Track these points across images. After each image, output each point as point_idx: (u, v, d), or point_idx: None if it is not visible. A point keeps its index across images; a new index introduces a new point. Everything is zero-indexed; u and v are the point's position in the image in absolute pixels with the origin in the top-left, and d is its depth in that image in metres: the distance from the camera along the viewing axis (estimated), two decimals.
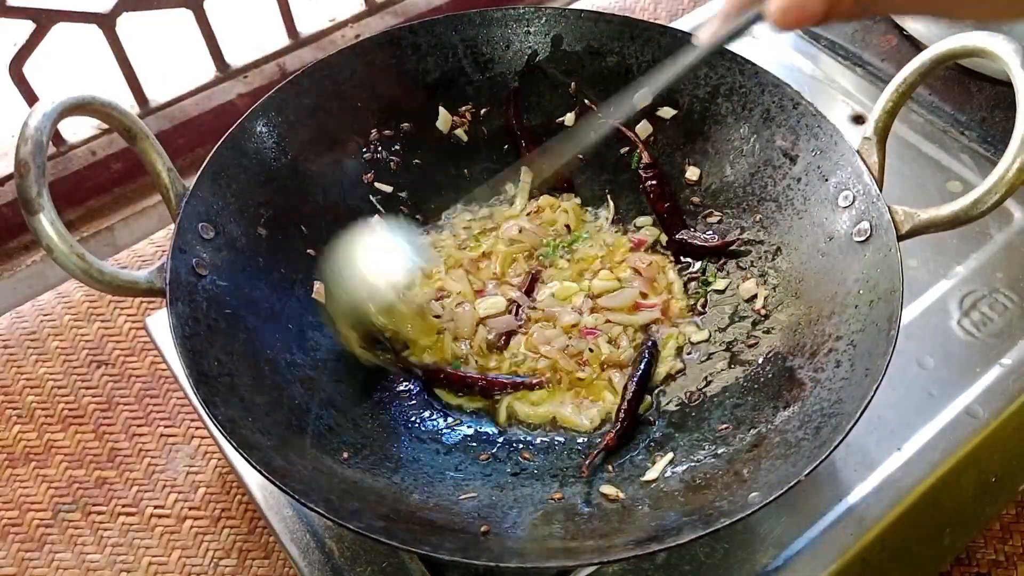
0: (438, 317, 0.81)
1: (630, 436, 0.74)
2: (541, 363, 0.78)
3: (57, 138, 1.13)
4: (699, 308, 0.82)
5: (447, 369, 0.78)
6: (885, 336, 0.64)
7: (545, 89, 0.91)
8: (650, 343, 0.79)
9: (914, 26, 1.02)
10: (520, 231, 0.87)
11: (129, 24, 1.07)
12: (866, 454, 0.74)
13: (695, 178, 0.87)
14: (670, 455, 0.70)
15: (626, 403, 0.75)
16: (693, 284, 0.84)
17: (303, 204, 0.82)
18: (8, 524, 0.83)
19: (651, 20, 1.11)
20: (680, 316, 0.82)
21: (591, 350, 0.79)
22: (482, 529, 0.63)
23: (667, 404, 0.76)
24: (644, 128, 0.88)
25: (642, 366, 0.77)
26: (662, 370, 0.78)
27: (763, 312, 0.78)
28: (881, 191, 0.71)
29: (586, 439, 0.75)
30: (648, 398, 0.76)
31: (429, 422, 0.75)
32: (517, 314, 0.81)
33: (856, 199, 0.73)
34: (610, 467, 0.71)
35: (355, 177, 0.87)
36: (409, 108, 0.89)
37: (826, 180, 0.76)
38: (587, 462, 0.71)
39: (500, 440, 0.75)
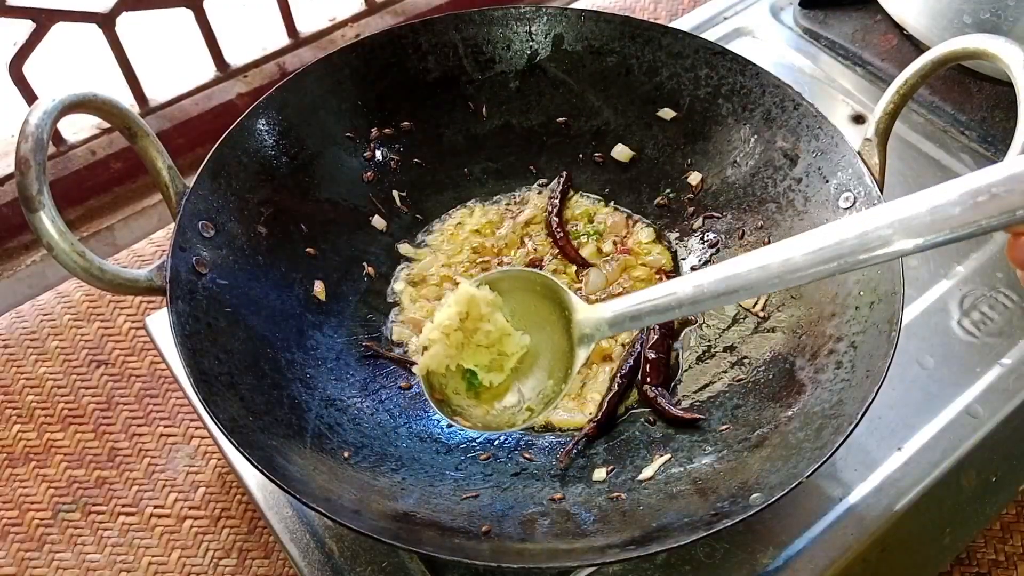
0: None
1: (613, 425, 0.75)
2: None
3: (57, 138, 1.13)
4: (692, 317, 0.82)
5: None
6: (886, 338, 0.64)
7: (546, 89, 0.91)
8: (641, 337, 0.79)
9: (914, 25, 1.02)
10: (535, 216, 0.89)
11: (129, 24, 1.07)
12: (866, 454, 0.74)
13: (696, 180, 0.87)
14: (668, 455, 0.70)
15: (611, 394, 0.75)
16: None
17: (303, 203, 0.82)
18: (8, 524, 0.83)
19: (651, 20, 1.11)
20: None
21: None
22: (483, 529, 0.63)
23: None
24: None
25: (631, 360, 0.77)
26: None
27: (764, 314, 0.78)
28: (882, 193, 0.71)
29: (586, 440, 0.74)
30: (635, 392, 0.77)
31: (430, 422, 0.75)
32: None
33: (857, 201, 0.73)
34: (610, 465, 0.71)
35: (355, 176, 0.87)
36: (409, 107, 0.89)
37: (827, 181, 0.76)
38: (565, 451, 0.72)
39: (501, 440, 0.75)
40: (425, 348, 0.64)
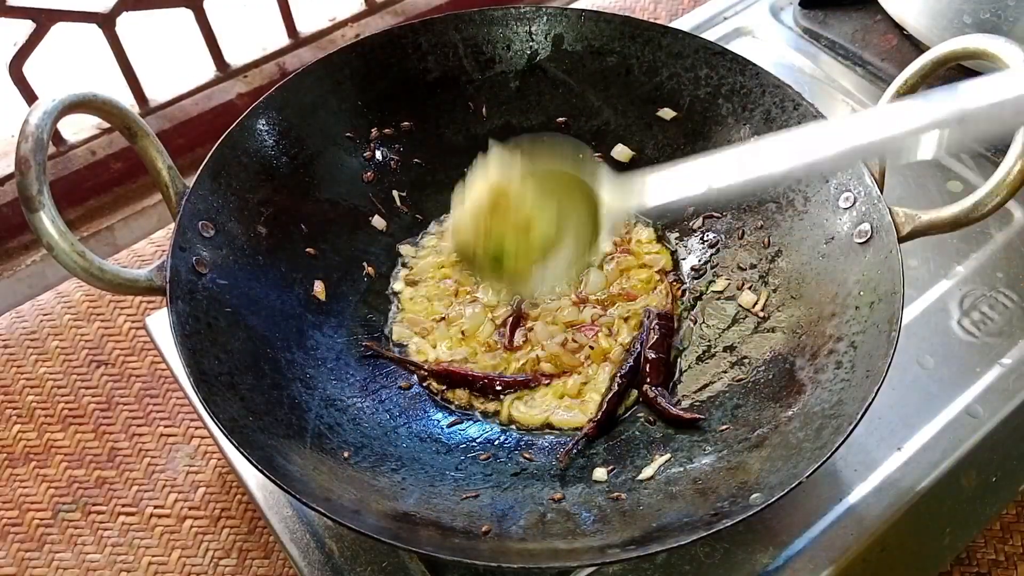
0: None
1: (613, 425, 0.75)
2: (543, 362, 0.79)
3: (57, 138, 1.13)
4: (692, 317, 0.82)
5: (449, 367, 0.78)
6: (886, 338, 0.64)
7: (546, 89, 0.91)
8: (642, 337, 0.79)
9: (914, 25, 1.02)
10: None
11: (129, 24, 1.07)
12: (866, 454, 0.74)
13: None
14: (668, 455, 0.70)
15: (611, 394, 0.75)
16: (687, 295, 0.83)
17: (303, 203, 0.82)
18: (8, 524, 0.83)
19: (651, 20, 1.11)
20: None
21: (592, 347, 0.79)
22: (483, 529, 0.63)
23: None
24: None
25: (631, 360, 0.77)
26: None
27: (763, 314, 0.78)
28: (882, 193, 0.71)
29: (586, 440, 0.75)
30: (635, 392, 0.77)
31: (430, 422, 0.75)
32: (519, 308, 0.82)
33: (857, 201, 0.73)
34: (610, 465, 0.71)
35: (355, 176, 0.87)
36: (409, 107, 0.89)
37: (827, 181, 0.76)
38: (565, 451, 0.72)
39: (501, 440, 0.75)
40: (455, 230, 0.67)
